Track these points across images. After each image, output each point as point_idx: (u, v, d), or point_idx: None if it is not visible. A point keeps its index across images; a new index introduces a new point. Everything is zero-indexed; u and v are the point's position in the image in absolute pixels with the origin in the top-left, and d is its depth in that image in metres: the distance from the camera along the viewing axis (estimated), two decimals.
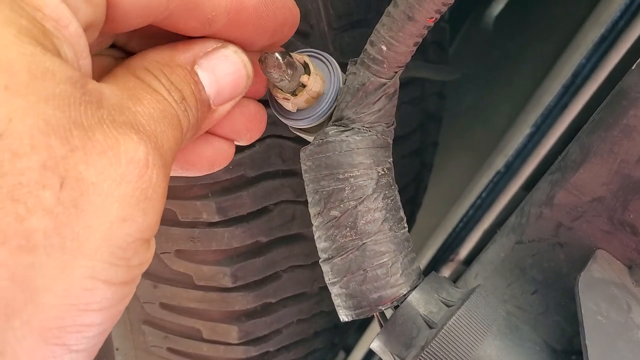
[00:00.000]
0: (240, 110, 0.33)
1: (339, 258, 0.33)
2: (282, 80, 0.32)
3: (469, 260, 0.61)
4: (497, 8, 0.86)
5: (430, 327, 0.32)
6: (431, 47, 0.64)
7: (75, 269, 0.19)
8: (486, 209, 0.59)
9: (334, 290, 0.34)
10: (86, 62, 0.22)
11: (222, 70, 0.28)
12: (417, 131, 0.65)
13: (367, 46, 0.32)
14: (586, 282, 0.31)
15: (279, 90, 0.33)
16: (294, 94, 0.33)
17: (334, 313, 0.61)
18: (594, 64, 0.53)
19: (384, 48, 0.31)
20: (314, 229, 0.35)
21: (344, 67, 0.34)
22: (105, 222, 0.20)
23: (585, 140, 0.34)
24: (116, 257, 0.20)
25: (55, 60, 0.19)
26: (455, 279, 0.57)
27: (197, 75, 0.27)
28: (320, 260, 0.35)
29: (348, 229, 0.33)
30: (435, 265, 0.68)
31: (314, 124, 0.35)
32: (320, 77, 0.34)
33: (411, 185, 0.69)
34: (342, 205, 0.33)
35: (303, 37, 0.47)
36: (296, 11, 0.31)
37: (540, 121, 0.58)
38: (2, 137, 0.17)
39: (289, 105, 0.34)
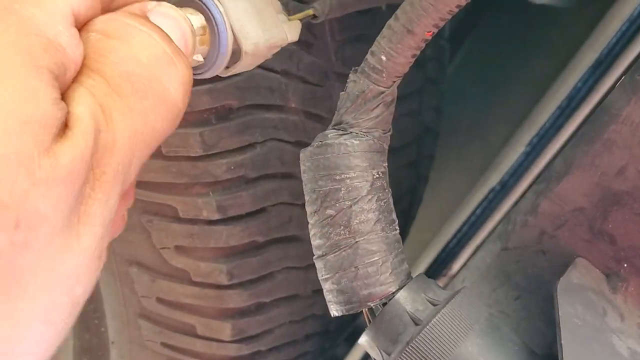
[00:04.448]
0: None
1: (332, 255, 0.35)
2: None
3: None
4: None
5: (416, 324, 0.33)
6: (430, 63, 0.66)
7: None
8: (480, 226, 0.59)
9: (326, 286, 0.36)
10: None
11: (167, 29, 0.26)
12: (414, 143, 0.67)
13: (368, 56, 0.34)
14: (565, 286, 0.32)
15: None
16: None
17: (326, 317, 0.62)
18: (589, 87, 0.54)
19: (384, 58, 0.33)
20: (309, 226, 0.36)
21: (345, 78, 0.36)
22: None
23: (569, 153, 0.35)
24: None
25: None
26: None
27: None
28: (314, 257, 0.36)
29: (342, 227, 0.35)
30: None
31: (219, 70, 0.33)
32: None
33: (406, 196, 0.70)
34: (337, 205, 0.34)
35: (306, 46, 0.49)
36: None
37: (536, 141, 0.59)
38: None
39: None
